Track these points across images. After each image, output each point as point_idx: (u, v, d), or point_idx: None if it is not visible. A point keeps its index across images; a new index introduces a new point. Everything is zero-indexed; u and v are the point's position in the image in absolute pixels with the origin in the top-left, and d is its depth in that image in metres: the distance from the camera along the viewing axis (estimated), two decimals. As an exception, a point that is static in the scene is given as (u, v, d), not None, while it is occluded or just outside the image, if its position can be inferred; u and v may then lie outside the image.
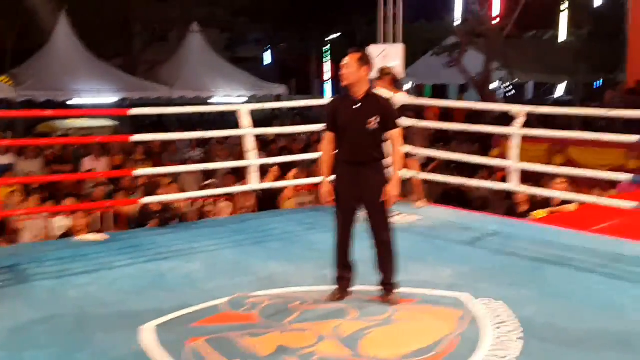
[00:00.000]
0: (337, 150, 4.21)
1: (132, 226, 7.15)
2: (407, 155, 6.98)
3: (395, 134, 4.18)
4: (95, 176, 9.20)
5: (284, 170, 8.59)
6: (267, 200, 8.18)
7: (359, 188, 4.13)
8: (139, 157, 11.06)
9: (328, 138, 4.23)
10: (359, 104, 4.11)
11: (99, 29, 19.40)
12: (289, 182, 7.87)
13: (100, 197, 8.13)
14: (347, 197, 4.15)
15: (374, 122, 4.08)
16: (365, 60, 4.12)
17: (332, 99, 4.54)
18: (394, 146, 4.19)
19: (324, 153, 4.29)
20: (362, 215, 4.22)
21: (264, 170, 7.42)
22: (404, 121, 6.88)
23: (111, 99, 16.84)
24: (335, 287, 4.23)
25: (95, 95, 16.38)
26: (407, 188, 8.35)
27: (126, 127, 16.77)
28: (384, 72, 7.02)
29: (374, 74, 7.31)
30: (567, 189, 7.10)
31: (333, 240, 4.24)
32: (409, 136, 7.00)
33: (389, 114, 4.17)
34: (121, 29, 20.35)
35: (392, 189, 4.12)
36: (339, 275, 4.24)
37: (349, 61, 4.10)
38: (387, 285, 4.17)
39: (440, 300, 4.16)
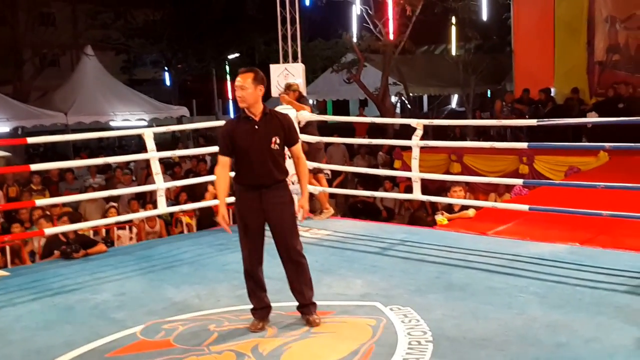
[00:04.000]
0: (235, 174, 4.06)
1: (32, 260, 6.86)
2: (314, 171, 7.12)
3: (297, 148, 4.16)
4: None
5: (193, 192, 8.57)
6: (205, 219, 8.17)
7: (265, 211, 4.00)
8: (35, 188, 10.63)
9: (223, 163, 4.04)
10: (259, 125, 3.99)
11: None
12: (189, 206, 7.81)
13: (-5, 231, 7.76)
14: (253, 221, 4.01)
15: (276, 141, 4.00)
16: (259, 79, 4.02)
17: (226, 122, 4.29)
18: (300, 161, 4.17)
19: (219, 178, 4.06)
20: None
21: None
22: (308, 138, 7.02)
23: (3, 128, 16.04)
24: (254, 319, 4.07)
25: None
26: (315, 204, 8.50)
27: (20, 157, 16.02)
28: (291, 88, 7.11)
29: (276, 90, 7.45)
30: (465, 196, 7.46)
31: (244, 269, 4.11)
32: (313, 152, 7.14)
33: (289, 130, 4.11)
34: (9, 55, 19.46)
35: (304, 204, 4.12)
36: (256, 307, 4.09)
37: (244, 82, 3.97)
38: (307, 306, 4.11)
39: (354, 311, 4.28)
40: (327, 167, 7.18)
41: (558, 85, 14.44)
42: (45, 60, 21.99)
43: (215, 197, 8.11)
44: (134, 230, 8.63)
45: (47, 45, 21.17)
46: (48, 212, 8.21)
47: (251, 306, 4.14)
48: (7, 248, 7.22)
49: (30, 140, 6.54)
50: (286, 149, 4.13)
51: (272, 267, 5.39)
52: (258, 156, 3.97)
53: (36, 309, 4.64)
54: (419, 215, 8.68)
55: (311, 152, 7.11)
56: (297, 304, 4.17)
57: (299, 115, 7.22)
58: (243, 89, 3.98)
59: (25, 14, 20.32)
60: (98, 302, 4.76)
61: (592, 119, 10.53)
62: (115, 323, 4.24)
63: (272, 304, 4.22)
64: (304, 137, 6.99)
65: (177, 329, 4.09)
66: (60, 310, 4.59)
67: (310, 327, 4.02)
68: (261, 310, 4.10)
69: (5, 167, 10.70)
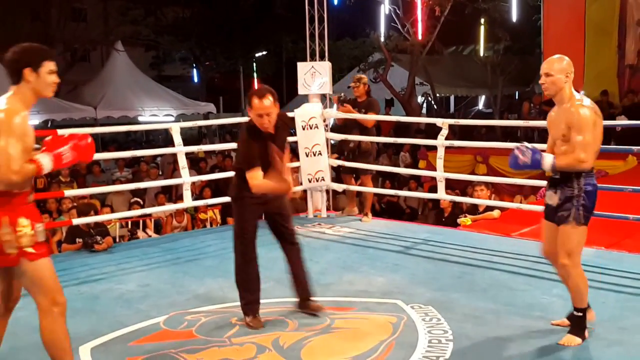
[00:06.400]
0: (245, 185, 3.91)
1: (60, 249, 6.98)
2: (363, 172, 7.12)
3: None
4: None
5: (218, 188, 8.64)
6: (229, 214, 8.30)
7: (267, 205, 4.09)
8: (64, 179, 10.79)
9: (259, 175, 3.88)
10: (275, 138, 3.96)
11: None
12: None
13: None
14: (255, 224, 4.08)
15: (286, 148, 4.17)
16: (276, 97, 3.91)
17: (248, 138, 3.97)
18: (287, 154, 4.30)
19: (264, 182, 3.89)
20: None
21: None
22: (364, 138, 6.99)
23: (33, 121, 16.32)
24: (252, 315, 4.06)
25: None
26: (341, 202, 8.52)
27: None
28: (362, 81, 7.14)
29: (303, 88, 7.47)
30: (490, 196, 7.42)
31: (242, 267, 4.11)
32: (365, 153, 7.09)
33: (289, 130, 4.28)
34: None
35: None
36: (255, 300, 4.10)
37: (270, 108, 3.83)
38: (311, 297, 4.21)
39: (375, 308, 4.28)
40: (351, 164, 7.18)
41: (588, 88, 14.22)
42: (76, 55, 22.29)
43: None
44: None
45: (78, 41, 21.49)
46: (76, 204, 8.35)
47: (270, 300, 4.25)
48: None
49: (60, 132, 6.64)
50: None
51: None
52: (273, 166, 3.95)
53: (62, 297, 4.72)
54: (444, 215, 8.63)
55: (360, 153, 7.06)
56: (317, 298, 4.23)
57: (325, 112, 7.24)
58: (270, 115, 3.85)
59: (58, 10, 20.66)
60: (123, 292, 4.84)
61: (621, 122, 10.39)
62: (139, 313, 4.31)
63: (295, 299, 4.27)
64: (358, 138, 6.98)
65: (199, 320, 4.15)
66: (85, 299, 4.67)
67: (319, 313, 4.12)
68: (258, 304, 4.13)
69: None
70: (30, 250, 2.92)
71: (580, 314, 3.64)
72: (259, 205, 4.09)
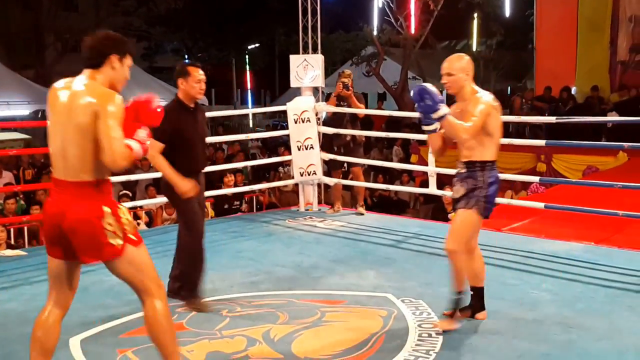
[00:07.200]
0: (178, 161, 4.08)
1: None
2: (353, 166, 7.16)
3: None
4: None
5: (209, 179, 8.69)
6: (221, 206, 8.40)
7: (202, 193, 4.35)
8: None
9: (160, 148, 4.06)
10: (196, 113, 4.24)
11: (7, 39, 18.72)
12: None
13: (13, 211, 7.86)
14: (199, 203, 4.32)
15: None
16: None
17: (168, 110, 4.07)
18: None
19: (160, 161, 4.08)
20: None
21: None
22: (352, 132, 7.02)
23: (23, 111, 16.22)
24: (200, 297, 4.22)
25: (5, 107, 15.74)
26: (329, 196, 8.52)
27: (39, 140, 16.19)
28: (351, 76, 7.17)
29: (296, 81, 7.45)
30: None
31: (192, 247, 4.26)
32: (355, 147, 7.12)
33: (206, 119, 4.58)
34: (32, 40, 19.68)
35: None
36: (199, 282, 4.25)
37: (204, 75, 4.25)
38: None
39: (366, 301, 4.30)
40: (343, 159, 7.18)
41: (579, 84, 14.30)
42: (67, 45, 22.16)
43: (232, 186, 8.21)
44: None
45: (69, 31, 21.34)
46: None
47: (261, 293, 4.26)
48: (25, 229, 7.34)
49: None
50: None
51: (286, 256, 5.45)
52: (200, 144, 4.29)
53: (53, 289, 4.70)
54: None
55: (355, 147, 7.08)
56: (308, 291, 4.23)
57: (317, 106, 7.23)
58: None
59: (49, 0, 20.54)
60: (113, 283, 4.79)
61: (612, 117, 10.43)
62: (129, 304, 4.28)
63: (286, 292, 4.30)
64: (348, 132, 6.98)
65: (190, 312, 4.14)
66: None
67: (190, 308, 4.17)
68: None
69: (26, 149, 10.86)
70: (133, 237, 2.85)
71: (458, 297, 3.77)
72: (196, 179, 4.21)
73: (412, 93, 3.64)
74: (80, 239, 2.77)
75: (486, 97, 3.67)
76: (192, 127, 4.17)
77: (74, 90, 2.78)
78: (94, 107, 2.71)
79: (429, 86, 3.60)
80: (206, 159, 4.46)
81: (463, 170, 3.77)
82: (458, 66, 3.70)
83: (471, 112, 3.61)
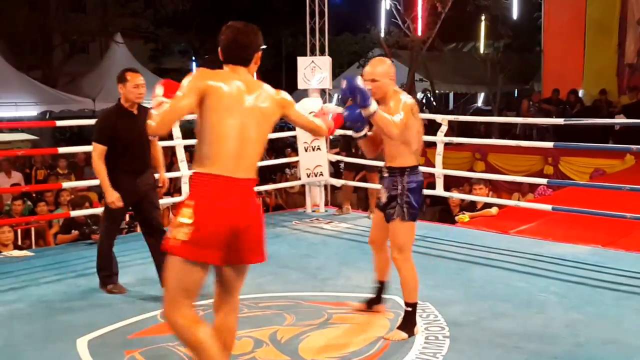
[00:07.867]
0: (114, 162, 4.38)
1: (56, 242, 6.99)
2: (371, 169, 7.13)
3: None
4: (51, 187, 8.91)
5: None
6: None
7: (138, 193, 4.46)
8: (61, 172, 10.78)
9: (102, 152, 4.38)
10: (136, 117, 4.38)
11: (15, 40, 18.78)
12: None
13: (20, 212, 7.88)
14: (125, 205, 4.49)
15: None
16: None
17: (106, 115, 4.60)
18: (159, 147, 4.77)
19: (99, 166, 4.40)
20: None
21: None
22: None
23: (31, 112, 16.29)
24: (114, 284, 4.63)
25: (13, 108, 15.81)
26: (338, 197, 8.53)
27: (46, 141, 16.25)
28: None
29: (303, 83, 7.46)
30: (488, 194, 7.42)
31: (103, 247, 4.61)
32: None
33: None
34: (39, 40, 19.73)
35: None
36: (111, 274, 4.64)
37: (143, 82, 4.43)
38: None
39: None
40: (344, 159, 7.18)
41: (587, 87, 14.26)
42: (74, 46, 22.20)
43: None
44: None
45: (76, 32, 21.39)
46: (74, 196, 8.33)
47: (268, 295, 4.25)
48: (32, 230, 7.37)
49: (59, 123, 6.65)
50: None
51: (293, 258, 5.45)
52: (139, 147, 4.46)
53: (60, 290, 4.73)
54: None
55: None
56: (315, 293, 4.23)
57: (325, 107, 7.23)
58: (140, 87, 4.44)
59: (56, 0, 20.58)
60: (121, 284, 4.82)
61: (619, 120, 10.40)
62: (137, 305, 4.31)
63: (293, 293, 4.30)
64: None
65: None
66: (83, 292, 4.67)
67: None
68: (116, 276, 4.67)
69: (33, 149, 10.90)
70: None
71: (410, 308, 3.74)
72: (130, 179, 4.44)
73: (342, 86, 3.43)
74: (252, 238, 2.76)
75: (405, 97, 3.59)
76: (130, 130, 4.35)
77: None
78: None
79: (359, 80, 3.40)
80: (148, 160, 4.59)
81: (386, 175, 3.74)
82: (381, 71, 3.61)
83: (394, 108, 3.50)
